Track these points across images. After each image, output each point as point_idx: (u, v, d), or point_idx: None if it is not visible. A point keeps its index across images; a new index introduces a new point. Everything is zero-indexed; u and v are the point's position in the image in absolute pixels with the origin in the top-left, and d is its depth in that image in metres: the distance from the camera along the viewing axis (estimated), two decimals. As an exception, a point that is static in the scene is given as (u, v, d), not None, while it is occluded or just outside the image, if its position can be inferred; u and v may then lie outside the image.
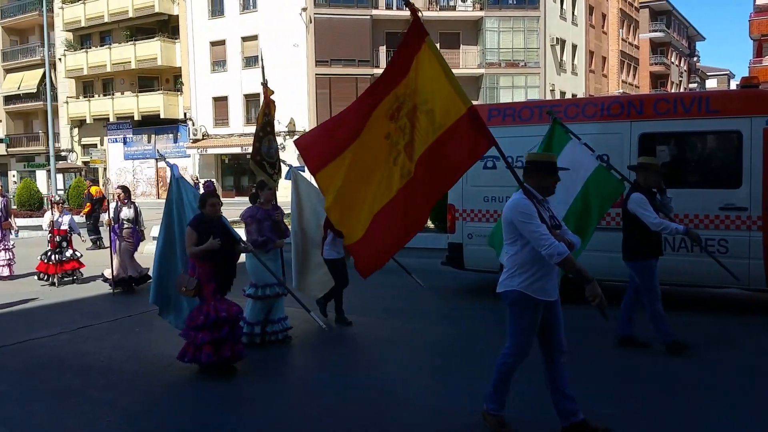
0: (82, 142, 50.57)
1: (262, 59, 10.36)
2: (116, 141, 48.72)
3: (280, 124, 40.47)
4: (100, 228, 18.08)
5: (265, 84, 8.88)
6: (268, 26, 40.94)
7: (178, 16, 45.08)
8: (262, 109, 8.87)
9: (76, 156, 50.15)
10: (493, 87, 41.29)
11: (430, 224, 15.08)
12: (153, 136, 46.88)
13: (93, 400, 6.35)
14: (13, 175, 53.67)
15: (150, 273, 11.90)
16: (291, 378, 7.15)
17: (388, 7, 40.97)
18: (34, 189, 25.62)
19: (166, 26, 46.17)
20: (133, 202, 12.28)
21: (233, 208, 32.72)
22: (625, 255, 7.36)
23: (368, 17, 39.91)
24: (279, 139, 40.62)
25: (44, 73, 36.09)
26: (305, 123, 40.36)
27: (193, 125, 44.12)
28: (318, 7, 39.82)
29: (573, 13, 48.56)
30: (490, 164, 10.23)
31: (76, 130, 50.58)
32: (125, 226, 11.81)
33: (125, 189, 12.40)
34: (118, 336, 8.94)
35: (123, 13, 45.52)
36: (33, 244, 17.41)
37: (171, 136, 46.19)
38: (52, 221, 12.64)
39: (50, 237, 12.71)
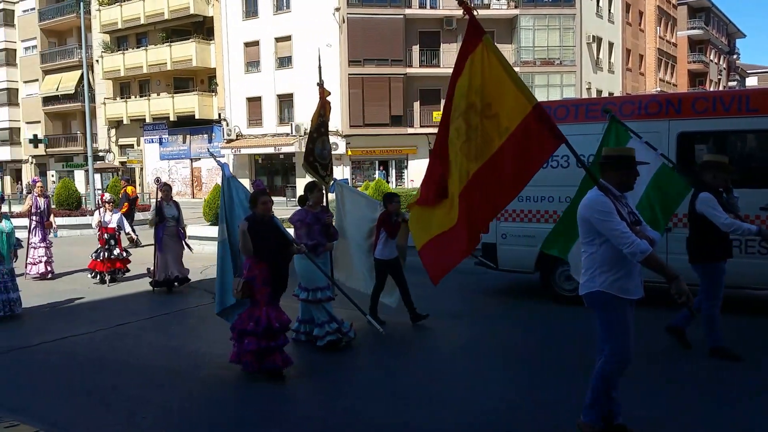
0: (119, 143, 51.36)
1: (320, 60, 10.26)
2: (152, 141, 49.39)
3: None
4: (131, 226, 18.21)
5: (321, 84, 8.69)
6: (301, 27, 41.05)
7: (212, 17, 45.46)
8: (317, 110, 8.63)
9: (113, 156, 50.89)
10: (529, 86, 40.38)
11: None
12: (188, 136, 47.41)
13: (130, 396, 6.40)
14: (52, 175, 54.59)
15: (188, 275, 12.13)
16: (339, 379, 7.02)
17: (422, 6, 40.80)
18: (73, 188, 25.90)
19: (201, 27, 46.58)
20: (174, 201, 12.29)
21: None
22: (692, 257, 7.07)
23: (401, 16, 39.80)
24: (312, 139, 41.13)
25: (82, 75, 36.57)
26: (338, 123, 40.36)
27: (227, 125, 44.45)
28: (351, 7, 39.83)
29: (609, 10, 47.94)
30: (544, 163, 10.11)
31: (113, 131, 51.37)
32: (169, 224, 11.82)
33: (168, 187, 12.40)
34: (155, 333, 9.07)
35: (159, 14, 46.04)
36: (71, 243, 17.70)
37: (205, 136, 46.61)
38: (101, 220, 12.78)
39: (99, 235, 12.87)
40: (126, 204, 19.32)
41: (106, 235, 12.72)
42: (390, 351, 7.91)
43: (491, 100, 5.08)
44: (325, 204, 8.18)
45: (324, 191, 8.21)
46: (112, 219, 12.86)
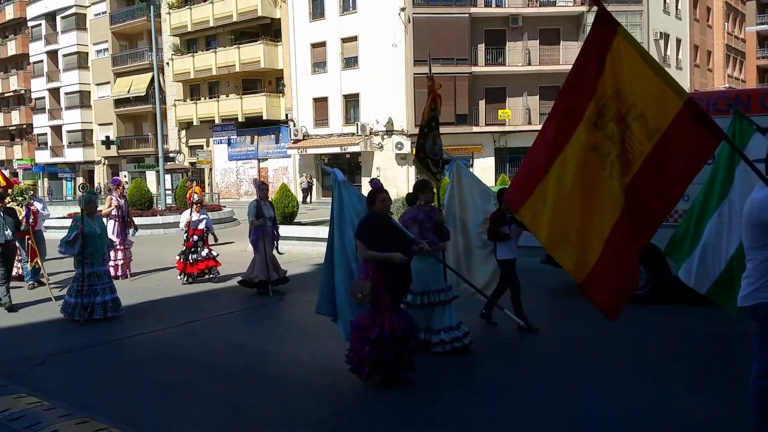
0: (189, 144, 52.50)
1: (429, 54, 10.17)
2: (221, 142, 50.37)
3: (378, 124, 41.03)
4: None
5: (431, 77, 8.28)
6: (367, 27, 41.47)
7: (280, 19, 46.15)
8: (428, 104, 8.14)
9: (183, 157, 52.11)
10: (595, 83, 40.57)
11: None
12: (256, 137, 48.23)
13: (197, 393, 6.52)
14: (124, 176, 56.12)
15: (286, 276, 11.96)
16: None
17: (487, 5, 40.78)
18: (145, 189, 26.68)
19: (269, 29, 47.31)
20: (270, 201, 12.05)
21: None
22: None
23: (467, 15, 39.86)
24: (377, 139, 41.53)
25: (153, 77, 37.55)
26: (403, 123, 40.71)
27: (294, 126, 45.12)
28: (417, 7, 40.04)
29: (677, 7, 47.15)
30: None
31: (183, 132, 52.50)
32: (268, 224, 11.59)
33: (266, 186, 12.14)
34: (222, 331, 9.19)
35: (227, 17, 46.83)
36: (142, 243, 17.84)
37: (273, 136, 47.35)
38: (189, 221, 12.69)
39: (186, 237, 12.79)
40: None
41: (194, 237, 12.65)
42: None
43: (636, 100, 4.48)
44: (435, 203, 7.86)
45: (435, 189, 7.84)
46: (201, 220, 12.78)
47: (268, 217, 11.62)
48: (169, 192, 35.13)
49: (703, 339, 8.01)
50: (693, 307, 8.91)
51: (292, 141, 45.06)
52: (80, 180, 58.03)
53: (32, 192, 13.77)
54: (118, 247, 13.13)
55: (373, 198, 6.49)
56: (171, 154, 50.35)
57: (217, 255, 13.16)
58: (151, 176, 50.70)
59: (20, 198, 12.83)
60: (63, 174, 63.56)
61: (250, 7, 45.74)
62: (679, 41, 47.21)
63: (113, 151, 54.52)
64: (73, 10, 59.27)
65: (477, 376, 7.07)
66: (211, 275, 12.88)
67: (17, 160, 62.66)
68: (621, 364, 7.16)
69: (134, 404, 6.28)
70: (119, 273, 13.38)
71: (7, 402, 6.16)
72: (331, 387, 6.55)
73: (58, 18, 60.71)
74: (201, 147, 51.31)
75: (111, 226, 13.29)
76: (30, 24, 63.73)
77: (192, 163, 50.63)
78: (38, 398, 6.27)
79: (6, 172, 13.89)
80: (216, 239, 13.35)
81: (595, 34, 4.64)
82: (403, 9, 40.09)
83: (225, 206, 30.23)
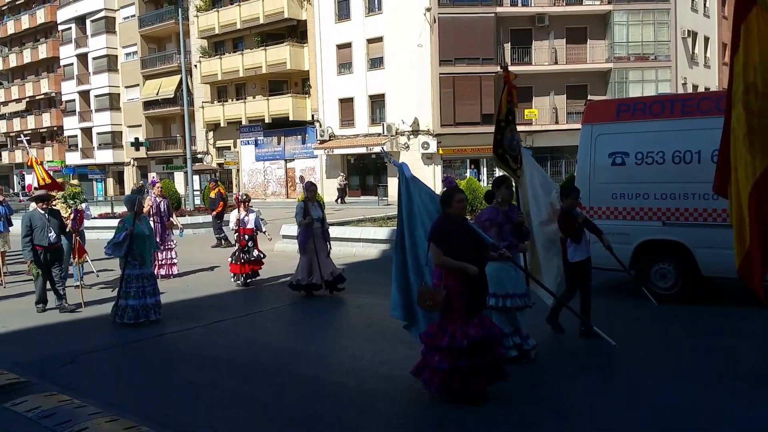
0: (216, 145, 52.98)
1: (503, 45, 9.73)
2: (248, 143, 50.81)
3: (404, 124, 41.10)
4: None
5: (505, 67, 7.58)
6: (392, 27, 41.60)
7: (306, 20, 46.39)
8: (504, 96, 7.42)
9: (211, 158, 52.59)
10: (622, 82, 40.29)
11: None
12: (282, 137, 48.57)
13: (224, 392, 6.54)
14: (152, 177, 56.72)
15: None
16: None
17: (513, 4, 40.69)
18: (173, 190, 26.96)
19: (295, 31, 47.62)
20: (318, 201, 11.70)
21: (359, 207, 33.13)
22: None
23: (492, 15, 39.75)
24: (403, 139, 41.58)
25: (181, 79, 37.93)
26: (429, 122, 40.75)
27: (320, 126, 45.35)
28: (442, 7, 40.05)
29: (705, 4, 46.64)
30: (618, 160, 10.11)
31: (210, 133, 53.01)
32: (315, 225, 11.24)
33: (314, 186, 11.72)
34: (248, 330, 9.26)
35: (254, 19, 47.16)
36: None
37: (299, 137, 47.63)
38: (239, 219, 12.45)
39: (237, 236, 12.57)
40: (221, 203, 19.78)
41: (245, 236, 12.39)
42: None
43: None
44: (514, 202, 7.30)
45: (513, 187, 7.33)
46: (250, 218, 12.50)
47: (316, 218, 11.28)
48: (197, 193, 35.50)
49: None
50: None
51: (319, 141, 45.31)
52: (151, 176, 58.60)
53: (84, 196, 13.74)
54: (160, 247, 13.05)
55: (449, 198, 5.98)
56: (199, 156, 50.80)
57: (265, 256, 12.88)
58: (179, 177, 51.19)
59: (72, 201, 12.77)
60: (93, 175, 64.44)
61: (276, 9, 46.07)
62: (707, 39, 46.68)
63: (142, 153, 55.13)
64: (102, 14, 60.10)
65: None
66: (253, 278, 12.63)
67: (48, 161, 63.55)
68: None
69: (162, 402, 6.34)
70: (161, 272, 13.35)
71: (38, 400, 6.26)
72: (357, 387, 6.54)
73: (87, 21, 61.65)
74: (228, 148, 51.76)
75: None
76: (60, 27, 64.70)
77: (220, 164, 51.08)
78: (68, 396, 6.36)
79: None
80: (268, 236, 13.12)
81: (738, 8, 4.49)
82: (428, 9, 40.14)
83: (252, 206, 30.36)
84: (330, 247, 11.62)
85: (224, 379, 6.99)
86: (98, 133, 62.53)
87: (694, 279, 9.76)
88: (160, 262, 13.40)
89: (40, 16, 67.86)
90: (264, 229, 12.76)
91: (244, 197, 12.90)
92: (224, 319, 9.83)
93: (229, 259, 12.65)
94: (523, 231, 7.11)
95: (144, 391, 6.72)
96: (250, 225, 12.52)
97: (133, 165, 60.78)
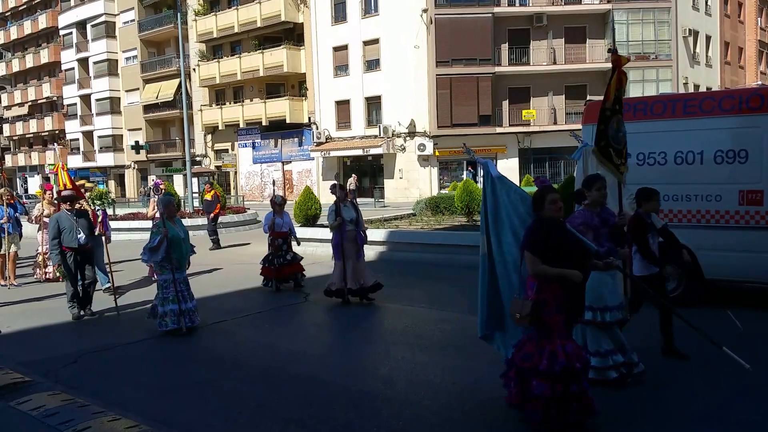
0: (214, 148, 53.05)
1: (613, 29, 9.20)
2: (246, 146, 50.83)
3: (400, 126, 40.84)
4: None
5: (615, 51, 6.77)
6: (388, 29, 41.43)
7: (302, 23, 46.34)
8: (613, 82, 6.60)
9: (209, 161, 52.64)
10: (621, 82, 39.89)
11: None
12: (279, 140, 48.55)
13: (225, 391, 6.53)
14: (153, 179, 56.84)
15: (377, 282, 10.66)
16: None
17: (511, 4, 40.38)
18: (173, 192, 26.92)
19: (292, 34, 47.55)
20: (352, 201, 11.05)
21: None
22: None
23: (490, 15, 39.47)
24: (399, 141, 41.31)
25: (180, 83, 37.94)
26: (425, 124, 40.48)
27: (317, 129, 45.22)
28: (439, 8, 39.81)
29: (706, 2, 46.14)
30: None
31: (209, 136, 53.09)
32: (348, 228, 10.47)
33: (343, 187, 10.93)
34: (251, 330, 9.22)
35: (252, 23, 47.22)
36: None
37: (296, 139, 47.60)
38: (273, 222, 12.03)
39: (270, 240, 12.08)
40: (219, 205, 19.70)
41: (279, 240, 11.95)
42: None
43: None
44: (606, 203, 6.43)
45: (622, 184, 6.64)
46: (284, 221, 12.12)
47: (349, 220, 10.47)
48: (196, 195, 35.44)
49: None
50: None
51: (315, 144, 45.18)
52: (151, 180, 58.70)
53: (111, 198, 13.28)
54: None
55: (541, 199, 5.29)
56: (197, 158, 50.92)
57: (302, 259, 12.45)
58: (178, 180, 51.26)
59: (98, 202, 12.34)
60: (95, 178, 64.53)
61: (273, 12, 46.08)
62: (708, 38, 46.19)
63: (142, 156, 55.24)
64: (102, 19, 60.42)
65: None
66: (298, 281, 12.08)
67: (49, 164, 63.73)
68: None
69: (165, 402, 6.36)
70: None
71: (42, 399, 6.30)
72: (356, 388, 6.54)
73: (88, 26, 61.93)
74: (226, 151, 51.88)
75: None
76: (62, 32, 65.03)
77: (218, 167, 51.11)
78: (72, 395, 6.40)
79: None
80: (298, 242, 12.83)
81: None
82: (425, 10, 39.92)
83: (249, 208, 30.67)
84: (362, 252, 10.78)
85: (226, 379, 6.99)
86: (99, 137, 62.84)
87: (697, 283, 9.37)
88: None
89: (42, 21, 68.31)
90: (296, 233, 12.53)
91: (280, 200, 12.35)
92: (225, 320, 9.79)
93: (261, 264, 12.18)
94: (623, 234, 6.40)
95: (147, 391, 6.74)
96: (284, 228, 12.15)
97: (134, 168, 61.07)
